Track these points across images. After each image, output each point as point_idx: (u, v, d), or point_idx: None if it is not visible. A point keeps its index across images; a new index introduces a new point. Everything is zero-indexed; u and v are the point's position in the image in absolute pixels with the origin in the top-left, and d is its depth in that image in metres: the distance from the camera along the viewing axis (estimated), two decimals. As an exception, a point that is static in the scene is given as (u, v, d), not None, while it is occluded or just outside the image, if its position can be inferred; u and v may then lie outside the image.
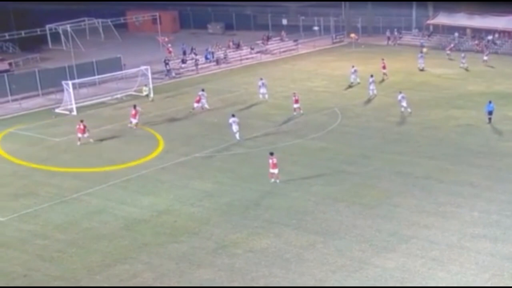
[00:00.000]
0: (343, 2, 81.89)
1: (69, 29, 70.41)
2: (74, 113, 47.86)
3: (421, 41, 72.22)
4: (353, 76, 55.02)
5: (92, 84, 55.58)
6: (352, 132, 41.83)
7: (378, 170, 34.64)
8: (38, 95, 54.10)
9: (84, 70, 55.55)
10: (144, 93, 52.63)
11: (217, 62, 66.43)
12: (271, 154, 33.37)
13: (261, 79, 51.66)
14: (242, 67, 65.70)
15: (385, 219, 28.56)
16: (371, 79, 50.92)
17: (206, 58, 66.63)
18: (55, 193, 33.09)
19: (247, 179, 34.01)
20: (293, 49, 73.81)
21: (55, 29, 74.33)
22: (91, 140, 41.06)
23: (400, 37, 76.63)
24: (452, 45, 68.97)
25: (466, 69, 60.06)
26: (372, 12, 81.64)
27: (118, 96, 53.32)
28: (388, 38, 76.19)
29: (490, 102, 42.78)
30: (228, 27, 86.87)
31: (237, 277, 24.33)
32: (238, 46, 71.89)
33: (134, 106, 44.67)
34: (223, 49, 70.34)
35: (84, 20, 77.45)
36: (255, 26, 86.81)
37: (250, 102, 50.17)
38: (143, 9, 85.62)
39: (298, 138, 40.73)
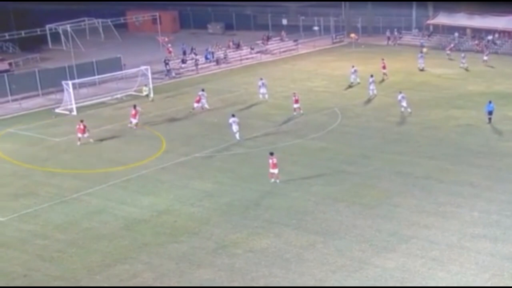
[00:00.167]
0: (343, 2, 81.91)
1: (69, 29, 70.43)
2: (74, 113, 47.87)
3: (421, 41, 72.22)
4: (353, 76, 55.02)
5: (92, 84, 55.59)
6: (352, 132, 41.83)
7: (378, 170, 34.64)
8: (38, 95, 54.12)
9: (84, 70, 55.56)
10: (144, 93, 52.64)
11: (217, 62, 66.44)
12: (271, 154, 33.37)
13: (261, 79, 51.67)
14: (242, 67, 65.70)
15: (385, 219, 28.56)
16: (371, 79, 50.93)
17: (206, 58, 66.63)
18: (55, 193, 33.10)
19: (247, 179, 34.01)
20: (293, 49, 73.82)
21: (55, 29, 74.35)
22: (91, 140, 41.07)
23: (400, 37, 76.63)
24: (452, 45, 68.98)
25: (466, 69, 60.06)
26: (372, 12, 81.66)
27: (118, 96, 53.32)
28: (388, 38, 76.20)
29: (490, 102, 42.79)
30: (228, 27, 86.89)
31: (237, 277, 24.33)
32: (238, 46, 71.90)
33: (134, 106, 44.69)
34: (223, 49, 70.36)
35: (84, 20, 77.47)
36: (255, 26, 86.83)
37: (250, 102, 50.17)
38: (143, 9, 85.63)
39: (298, 138, 40.73)
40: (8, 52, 73.48)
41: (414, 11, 79.22)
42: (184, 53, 67.66)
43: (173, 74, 61.71)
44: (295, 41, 75.51)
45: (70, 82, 49.15)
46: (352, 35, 76.34)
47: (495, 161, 35.48)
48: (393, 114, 45.34)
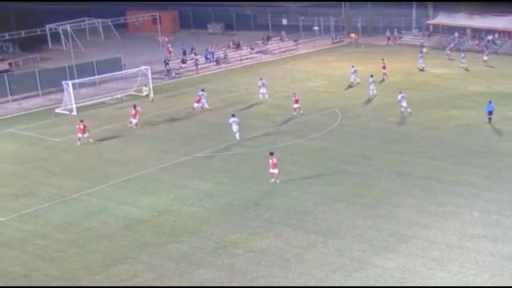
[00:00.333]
0: (343, 2, 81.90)
1: (69, 29, 70.43)
2: (74, 113, 47.88)
3: (421, 41, 72.23)
4: (353, 76, 55.03)
5: (92, 84, 55.59)
6: (352, 132, 41.83)
7: (378, 170, 34.64)
8: (38, 95, 54.13)
9: (84, 70, 55.58)
10: (144, 93, 52.63)
11: (217, 62, 66.44)
12: (271, 154, 33.38)
13: (261, 79, 51.67)
14: (242, 67, 65.71)
15: (385, 219, 28.56)
16: (371, 79, 50.93)
17: (206, 58, 66.64)
18: (55, 193, 33.10)
19: (247, 179, 34.01)
20: (293, 49, 73.82)
21: (55, 29, 74.35)
22: (91, 140, 41.07)
23: (400, 37, 76.62)
24: (452, 45, 68.97)
25: (466, 69, 60.06)
26: (372, 12, 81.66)
27: (118, 96, 53.33)
28: (388, 38, 76.19)
29: (490, 102, 42.78)
30: (228, 27, 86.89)
31: (237, 277, 24.33)
32: (238, 46, 71.90)
33: (134, 106, 44.70)
34: (223, 49, 70.36)
35: (84, 20, 77.47)
36: (255, 26, 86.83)
37: (250, 102, 50.17)
38: (143, 9, 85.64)
39: (298, 138, 40.73)
40: (8, 52, 73.50)
41: (414, 11, 79.21)
42: (184, 53, 67.66)
43: (173, 74, 61.72)
44: (295, 41, 75.51)
45: (70, 82, 49.17)
46: (352, 35, 76.34)
47: (495, 161, 35.48)
48: (393, 114, 45.34)
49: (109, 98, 53.02)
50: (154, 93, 53.11)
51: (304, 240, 26.88)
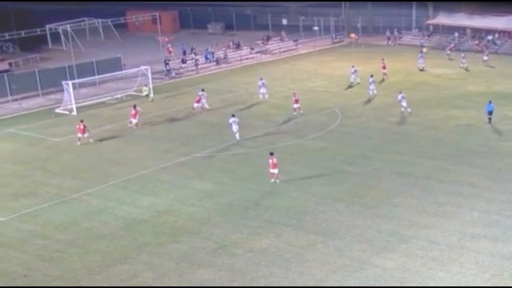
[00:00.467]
0: (343, 2, 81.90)
1: (69, 29, 70.44)
2: (74, 113, 47.89)
3: (421, 41, 72.27)
4: (353, 76, 55.05)
5: (92, 84, 55.61)
6: (352, 132, 41.83)
7: (378, 170, 34.65)
8: (38, 95, 54.15)
9: (84, 70, 55.59)
10: (144, 93, 52.63)
11: (217, 62, 66.45)
12: (271, 154, 33.39)
13: (261, 79, 51.68)
14: (242, 67, 65.72)
15: (385, 219, 28.57)
16: (371, 79, 50.94)
17: (206, 58, 66.65)
18: (55, 193, 33.11)
19: (247, 179, 34.02)
20: (293, 49, 73.83)
21: (55, 29, 74.36)
22: (91, 140, 41.08)
23: (400, 37, 76.63)
24: (452, 45, 68.98)
25: (466, 69, 60.06)
26: (372, 12, 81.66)
27: (118, 96, 53.34)
28: (388, 38, 76.20)
29: (490, 102, 42.78)
30: (228, 27, 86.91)
31: (237, 277, 24.34)
32: (238, 46, 71.91)
33: (134, 106, 44.72)
34: (223, 49, 70.37)
35: (84, 20, 77.48)
36: (255, 26, 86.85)
37: (250, 102, 50.18)
38: (143, 9, 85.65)
39: (298, 138, 40.74)
40: (8, 52, 73.51)
41: (414, 11, 79.22)
42: (184, 53, 67.68)
43: (173, 74, 61.73)
44: (295, 41, 75.52)
45: (70, 82, 49.18)
46: (352, 35, 76.34)
47: (495, 161, 35.49)
48: (393, 114, 45.34)
49: (109, 98, 53.03)
50: (154, 93, 53.12)
51: (304, 240, 26.89)
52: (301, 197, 31.32)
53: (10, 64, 64.76)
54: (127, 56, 62.89)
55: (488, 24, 71.49)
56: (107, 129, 44.20)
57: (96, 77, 55.03)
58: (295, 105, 45.86)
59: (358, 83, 54.42)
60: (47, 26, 74.77)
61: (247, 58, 68.90)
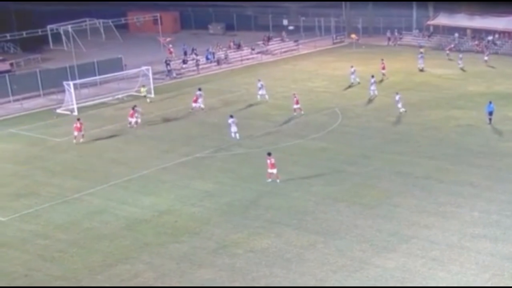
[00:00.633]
0: (343, 3, 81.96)
1: (70, 29, 70.57)
2: (75, 113, 47.96)
3: (419, 41, 72.39)
4: (352, 76, 55.18)
5: (93, 84, 55.69)
6: (352, 132, 41.89)
7: (379, 170, 34.71)
8: (39, 96, 54.26)
9: (85, 70, 55.70)
10: (142, 94, 52.60)
11: (218, 62, 66.52)
12: (269, 154, 33.47)
13: (259, 80, 51.73)
14: (243, 67, 65.79)
15: (386, 219, 28.62)
16: (372, 80, 51.01)
17: (207, 58, 66.74)
18: (56, 193, 33.19)
19: (248, 179, 34.08)
20: (294, 50, 73.90)
21: (56, 29, 74.46)
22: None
23: (401, 38, 76.70)
24: (452, 45, 69.02)
25: (463, 70, 60.01)
26: (373, 12, 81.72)
27: (119, 96, 53.43)
28: (389, 39, 76.26)
29: (490, 102, 42.81)
30: (229, 27, 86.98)
31: (238, 277, 24.40)
32: (239, 47, 71.98)
33: (133, 107, 44.95)
34: (224, 49, 70.45)
35: (85, 21, 77.58)
36: (255, 26, 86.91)
37: (251, 103, 50.23)
38: (144, 10, 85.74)
39: (299, 139, 40.80)
40: (9, 52, 73.63)
41: (414, 12, 79.28)
42: (185, 53, 67.80)
43: (174, 75, 61.82)
44: (295, 41, 75.58)
45: (71, 83, 49.25)
46: (353, 35, 76.41)
47: (495, 161, 35.54)
48: (393, 115, 45.39)
49: (110, 98, 53.13)
50: (156, 93, 53.23)
51: (304, 240, 26.95)
52: (301, 197, 31.39)
53: (11, 64, 64.85)
54: (128, 56, 62.99)
55: (488, 25, 71.57)
56: (108, 129, 44.28)
57: (97, 77, 55.12)
58: (296, 106, 45.93)
59: (358, 83, 54.50)
60: (48, 27, 74.88)
61: (247, 59, 68.98)
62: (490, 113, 42.35)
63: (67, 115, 48.15)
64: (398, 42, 75.89)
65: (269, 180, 33.17)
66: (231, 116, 41.21)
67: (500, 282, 23.43)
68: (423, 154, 37.13)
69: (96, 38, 79.96)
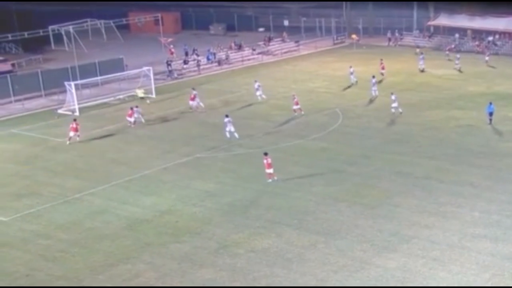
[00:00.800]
0: (344, 3, 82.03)
1: (71, 30, 70.54)
2: (77, 113, 48.06)
3: (416, 41, 72.46)
4: (351, 77, 55.32)
5: (95, 84, 55.76)
6: (353, 133, 41.95)
7: (379, 170, 34.77)
8: (41, 96, 54.36)
9: (86, 71, 55.77)
10: (139, 96, 52.59)
11: (219, 63, 66.60)
12: (265, 154, 33.56)
13: (256, 81, 51.80)
14: (243, 68, 65.86)
15: (386, 219, 28.68)
16: (373, 80, 51.09)
17: (208, 59, 66.81)
18: (58, 193, 33.26)
19: (249, 179, 34.15)
20: (295, 50, 73.97)
21: (58, 30, 74.44)
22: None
23: (401, 38, 76.75)
24: (453, 46, 69.04)
25: (459, 70, 59.98)
26: (373, 13, 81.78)
27: (121, 96, 53.52)
28: (389, 39, 76.29)
29: (490, 103, 42.84)
30: (230, 28, 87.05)
31: (239, 277, 24.46)
32: (239, 47, 72.05)
33: (131, 107, 45.17)
34: (225, 50, 70.53)
35: (86, 21, 77.54)
36: (256, 27, 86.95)
37: (252, 103, 50.30)
38: (145, 10, 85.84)
39: (299, 139, 40.87)
40: (11, 53, 73.72)
41: (415, 12, 79.30)
42: (186, 54, 67.89)
43: (175, 75, 61.91)
44: (296, 42, 75.64)
45: (72, 83, 49.34)
46: (353, 36, 76.49)
47: (496, 161, 35.59)
48: (393, 115, 45.41)
49: (111, 98, 53.22)
50: (157, 94, 53.33)
51: (305, 240, 27.01)
52: (302, 197, 31.45)
53: (13, 65, 64.91)
54: (129, 57, 63.04)
55: (489, 25, 71.62)
56: (109, 130, 44.37)
57: (99, 77, 55.20)
58: (295, 107, 45.98)
59: (356, 82, 54.65)
60: (50, 27, 74.87)
61: (248, 59, 69.04)
62: (491, 114, 42.39)
63: (68, 115, 48.21)
64: (399, 43, 75.93)
65: (270, 180, 33.24)
66: (227, 116, 41.34)
67: (501, 282, 23.49)
68: (423, 154, 37.19)
69: (98, 38, 79.95)
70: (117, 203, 31.69)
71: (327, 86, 56.07)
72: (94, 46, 74.96)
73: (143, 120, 45.06)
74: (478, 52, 67.56)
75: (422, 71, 60.23)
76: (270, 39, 76.19)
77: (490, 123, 42.29)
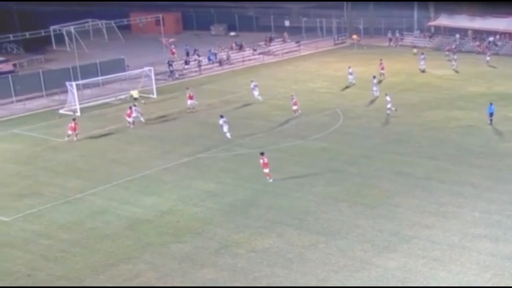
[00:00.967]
0: (345, 3, 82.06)
1: (73, 30, 70.57)
2: (78, 113, 48.14)
3: (414, 42, 72.52)
4: (350, 77, 55.39)
5: (96, 85, 55.86)
6: (353, 133, 41.99)
7: (380, 170, 34.81)
8: (42, 96, 54.42)
9: (87, 71, 55.85)
10: (134, 97, 52.62)
11: (220, 63, 66.66)
12: (262, 154, 33.62)
13: (252, 81, 51.85)
14: (244, 68, 65.90)
15: (387, 219, 28.73)
16: (374, 81, 51.13)
17: (209, 59, 66.88)
18: (59, 193, 33.32)
19: (249, 179, 34.20)
20: (296, 50, 74.01)
21: (59, 30, 74.43)
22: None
23: (402, 39, 76.77)
24: (453, 46, 69.06)
25: (456, 71, 59.97)
26: (374, 13, 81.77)
27: (122, 97, 53.58)
28: (390, 40, 76.31)
29: (491, 104, 42.86)
30: (231, 28, 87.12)
31: (240, 277, 24.50)
32: (240, 47, 72.10)
33: (130, 106, 45.29)
34: (226, 50, 70.58)
35: (87, 22, 77.58)
36: (257, 27, 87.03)
37: (252, 103, 50.34)
38: (147, 11, 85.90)
39: (300, 139, 40.91)
40: (12, 53, 73.81)
41: (415, 13, 79.31)
42: (187, 54, 67.95)
43: (176, 75, 61.97)
44: (297, 42, 75.68)
45: (74, 83, 49.43)
46: (354, 36, 76.53)
47: (496, 161, 35.62)
48: (394, 115, 45.46)
49: (112, 99, 53.29)
50: (158, 94, 53.38)
51: (306, 240, 27.06)
52: (303, 197, 31.50)
53: (14, 65, 65.07)
54: (130, 57, 63.09)
55: (489, 26, 71.63)
56: (110, 130, 44.45)
57: (100, 78, 55.27)
58: (295, 107, 46.02)
59: (352, 83, 54.70)
60: (51, 28, 74.81)
61: (249, 59, 69.09)
62: (491, 114, 42.41)
63: (69, 115, 48.26)
64: (399, 43, 75.95)
65: (270, 180, 33.30)
66: (221, 116, 41.42)
67: (501, 282, 23.52)
68: (424, 154, 37.23)
69: (99, 39, 79.98)
70: (118, 203, 31.75)
71: (327, 86, 56.11)
72: (95, 47, 75.04)
73: (142, 119, 45.20)
74: (478, 53, 67.58)
75: (423, 71, 60.25)
76: (271, 40, 76.22)
77: (491, 123, 42.32)
